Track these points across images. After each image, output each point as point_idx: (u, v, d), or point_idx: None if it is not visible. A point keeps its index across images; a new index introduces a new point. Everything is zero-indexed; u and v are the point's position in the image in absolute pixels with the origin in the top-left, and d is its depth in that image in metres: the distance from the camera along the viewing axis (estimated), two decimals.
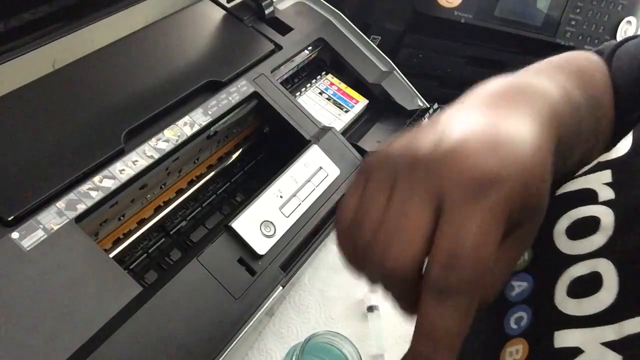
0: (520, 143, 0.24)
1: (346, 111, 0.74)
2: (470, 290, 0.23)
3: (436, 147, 0.24)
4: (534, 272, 0.32)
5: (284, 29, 0.73)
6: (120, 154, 0.52)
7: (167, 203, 0.60)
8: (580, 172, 0.33)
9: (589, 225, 0.30)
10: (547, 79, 0.32)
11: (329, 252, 0.73)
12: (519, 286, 0.32)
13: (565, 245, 0.30)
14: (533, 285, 0.31)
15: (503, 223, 0.23)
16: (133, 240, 0.55)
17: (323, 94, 0.76)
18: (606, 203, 0.30)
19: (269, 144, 0.71)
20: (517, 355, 0.29)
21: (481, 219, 0.22)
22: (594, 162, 0.33)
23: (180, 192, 0.62)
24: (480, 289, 0.23)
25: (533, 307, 0.30)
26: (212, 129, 0.60)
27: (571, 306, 0.28)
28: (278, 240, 0.55)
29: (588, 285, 0.28)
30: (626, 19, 0.93)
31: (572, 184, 0.33)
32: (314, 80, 0.77)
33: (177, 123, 0.56)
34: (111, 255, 0.51)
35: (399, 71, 0.79)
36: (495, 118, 0.26)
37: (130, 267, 0.56)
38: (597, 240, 0.29)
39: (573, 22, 0.90)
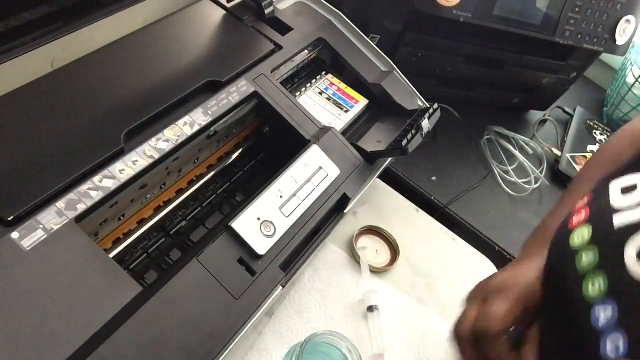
0: (520, 278, 0.47)
1: (346, 111, 0.74)
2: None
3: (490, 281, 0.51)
4: (614, 298, 0.34)
5: (284, 29, 0.73)
6: (120, 154, 0.52)
7: (167, 203, 0.60)
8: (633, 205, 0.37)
9: None
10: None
11: (329, 252, 0.73)
12: (605, 312, 0.34)
13: None
14: (619, 311, 0.33)
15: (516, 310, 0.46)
16: (133, 240, 0.55)
17: (323, 94, 0.76)
18: None
19: (269, 144, 0.71)
20: None
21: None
22: None
23: (180, 192, 0.62)
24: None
25: (626, 330, 0.32)
26: (212, 129, 0.60)
27: None
28: (278, 240, 0.55)
29: None
30: (625, 17, 0.93)
31: (627, 214, 0.36)
32: (314, 80, 0.77)
33: (177, 123, 0.56)
34: (111, 255, 0.52)
35: (399, 71, 0.79)
36: (516, 269, 0.50)
37: (130, 267, 0.56)
38: None
39: (572, 21, 0.90)
